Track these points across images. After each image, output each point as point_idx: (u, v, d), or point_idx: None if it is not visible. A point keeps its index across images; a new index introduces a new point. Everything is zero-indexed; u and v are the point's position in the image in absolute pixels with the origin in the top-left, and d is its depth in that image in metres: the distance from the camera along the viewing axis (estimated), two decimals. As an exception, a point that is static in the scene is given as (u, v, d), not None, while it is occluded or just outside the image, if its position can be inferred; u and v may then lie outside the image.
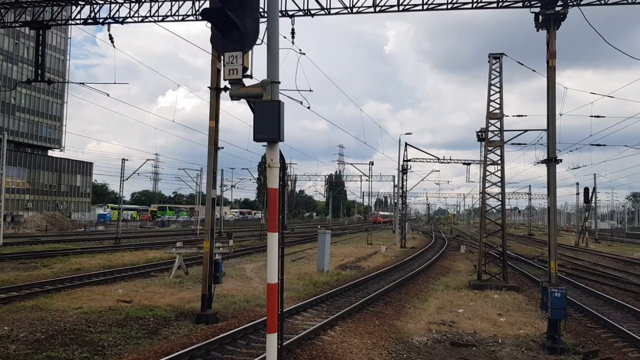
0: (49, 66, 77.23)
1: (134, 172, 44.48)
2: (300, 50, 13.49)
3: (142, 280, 19.17)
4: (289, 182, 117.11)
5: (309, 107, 14.46)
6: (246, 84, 5.87)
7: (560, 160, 12.24)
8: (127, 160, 42.76)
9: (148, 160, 46.57)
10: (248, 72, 5.70)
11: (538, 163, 16.29)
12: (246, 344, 11.06)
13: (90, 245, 38.59)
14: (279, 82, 5.62)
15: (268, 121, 5.37)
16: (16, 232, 52.87)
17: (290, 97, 13.79)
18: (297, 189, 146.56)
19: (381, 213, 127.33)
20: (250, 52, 5.76)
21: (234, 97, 5.68)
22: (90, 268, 23.41)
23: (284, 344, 10.49)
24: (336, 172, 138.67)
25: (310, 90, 13.38)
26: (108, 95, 19.08)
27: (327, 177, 78.71)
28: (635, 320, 15.07)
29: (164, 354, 9.84)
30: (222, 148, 13.74)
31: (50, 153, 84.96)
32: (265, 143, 5.62)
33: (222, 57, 5.72)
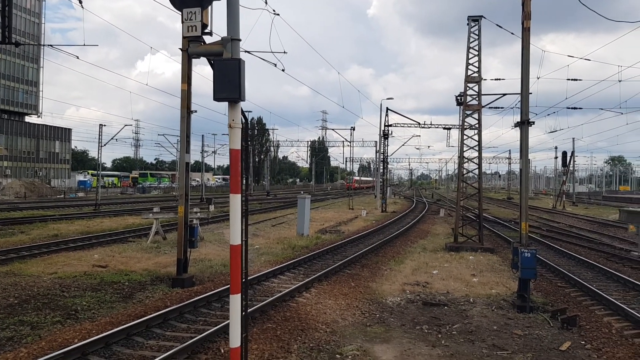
0: (22, 29, 75.13)
1: (112, 138, 43.92)
2: (274, 10, 13.20)
3: (120, 246, 19.12)
4: (272, 148, 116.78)
5: (283, 70, 14.26)
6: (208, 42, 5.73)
7: (533, 122, 12.30)
8: (104, 125, 42.08)
9: (126, 125, 45.83)
10: (208, 29, 5.55)
11: (514, 126, 16.29)
12: (221, 307, 11.13)
13: (70, 211, 38.25)
14: (240, 40, 5.48)
15: (228, 80, 5.25)
16: (-6, 200, 52.17)
17: (264, 59, 13.56)
18: (280, 155, 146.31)
19: (356, 178, 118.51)
20: (209, 8, 5.59)
21: (192, 54, 5.55)
22: (68, 234, 23.26)
23: (258, 306, 10.62)
24: (319, 138, 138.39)
25: (285, 52, 13.17)
26: (77, 58, 18.63)
27: (309, 142, 78.44)
28: (604, 279, 15.45)
29: (137, 317, 9.87)
30: (196, 111, 13.55)
31: (27, 119, 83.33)
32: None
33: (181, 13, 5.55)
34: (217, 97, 5.31)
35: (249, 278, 13.30)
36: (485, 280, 14.65)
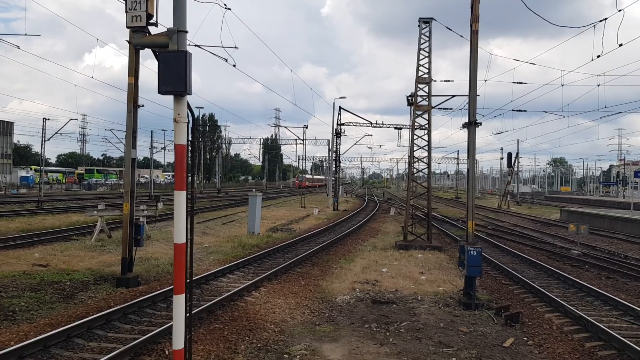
0: (-41, 16, 71.24)
1: (56, 132, 42.34)
2: (225, 5, 12.95)
3: (62, 244, 18.40)
4: (223, 145, 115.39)
5: (234, 65, 14.04)
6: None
7: (480, 123, 12.56)
8: (48, 119, 40.52)
9: (71, 119, 44.20)
10: (153, 20, 5.36)
11: (462, 127, 16.66)
12: (166, 307, 10.85)
13: (10, 208, 36.61)
14: (187, 31, 5.32)
15: (173, 72, 5.09)
16: None
17: (214, 54, 13.30)
18: (233, 153, 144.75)
19: (307, 176, 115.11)
20: (155, -2, 5.40)
21: (137, 45, 5.35)
22: (8, 232, 22.26)
23: (205, 306, 10.41)
24: (272, 135, 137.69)
25: (236, 47, 12.95)
26: (18, 48, 17.78)
27: (261, 140, 77.86)
28: (546, 277, 15.96)
29: (79, 318, 9.51)
30: (143, 106, 13.18)
31: (-36, 111, 79.33)
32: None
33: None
34: (162, 90, 5.14)
35: (196, 277, 13.09)
36: (433, 278, 14.87)
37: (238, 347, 8.51)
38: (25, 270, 13.52)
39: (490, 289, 14.18)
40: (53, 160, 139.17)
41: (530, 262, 18.27)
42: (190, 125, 5.46)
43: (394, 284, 14.01)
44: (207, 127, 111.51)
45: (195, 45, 13.19)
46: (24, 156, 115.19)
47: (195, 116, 5.55)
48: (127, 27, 5.23)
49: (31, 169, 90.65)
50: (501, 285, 14.66)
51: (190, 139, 5.48)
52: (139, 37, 5.29)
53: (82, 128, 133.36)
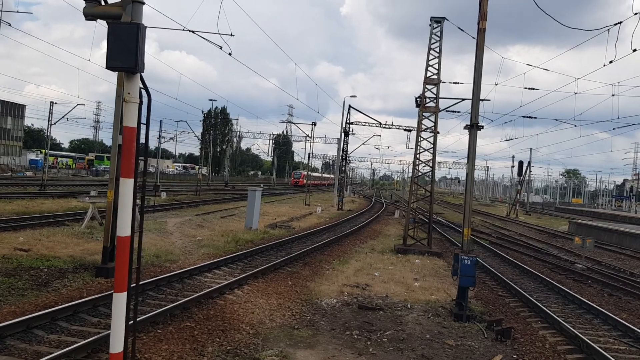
0: (-24, -3, 71.56)
1: (62, 117, 42.14)
2: (223, -10, 12.46)
3: (50, 229, 18.02)
4: (234, 139, 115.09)
5: (230, 54, 13.54)
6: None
7: (482, 126, 11.96)
8: (56, 103, 40.29)
9: (79, 105, 44.04)
10: (108, -11, 4.85)
11: (464, 129, 16.00)
12: (142, 301, 10.38)
13: (12, 190, 36.47)
14: (143, 3, 4.82)
15: (124, 47, 4.59)
16: None
17: (209, 40, 12.79)
18: (244, 147, 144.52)
19: (305, 173, 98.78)
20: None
21: (88, 16, 4.84)
22: (2, 214, 21.97)
23: (180, 302, 9.93)
24: (283, 132, 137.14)
25: (232, 35, 12.44)
26: (10, 25, 17.47)
27: (271, 135, 77.31)
28: (546, 290, 15.33)
29: (46, 307, 9.09)
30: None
31: (-23, 92, 79.72)
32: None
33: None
34: (110, 66, 4.64)
35: (180, 271, 12.61)
36: (426, 285, 14.30)
37: (205, 348, 8.01)
38: (5, 254, 13.12)
39: (486, 300, 13.58)
40: (66, 145, 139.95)
41: (531, 274, 17.62)
42: (145, 106, 4.95)
43: (385, 289, 13.46)
44: (219, 120, 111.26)
45: (190, 31, 12.74)
46: (37, 139, 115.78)
47: (151, 96, 5.04)
48: (79, -5, 4.72)
49: (41, 152, 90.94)
50: (497, 297, 14.05)
51: (144, 122, 4.98)
52: (91, 6, 4.80)
53: (96, 115, 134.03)
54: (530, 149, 60.25)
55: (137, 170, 4.95)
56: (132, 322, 5.25)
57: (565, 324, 10.83)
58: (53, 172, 67.51)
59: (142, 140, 5.04)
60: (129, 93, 4.75)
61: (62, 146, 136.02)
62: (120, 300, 4.87)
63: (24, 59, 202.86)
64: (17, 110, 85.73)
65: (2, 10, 39.46)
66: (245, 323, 9.57)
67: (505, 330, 10.22)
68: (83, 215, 22.45)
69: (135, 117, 4.83)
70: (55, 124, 40.10)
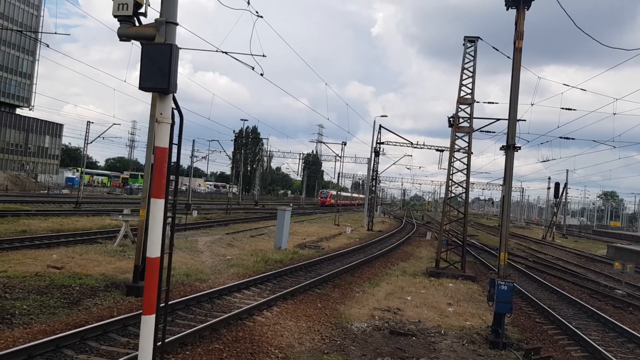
0: (20, 21, 74.43)
1: (98, 136, 43.18)
2: (257, 12, 12.55)
3: (84, 247, 18.22)
4: (265, 159, 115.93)
5: (262, 74, 13.60)
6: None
7: (519, 147, 11.64)
8: (92, 123, 41.29)
9: (114, 124, 44.97)
10: (142, 10, 4.85)
11: (500, 149, 15.63)
12: (171, 321, 10.31)
13: (48, 207, 37.26)
14: (177, 24, 4.81)
15: (157, 68, 4.56)
16: (-25, 190, 51.10)
17: (242, 62, 12.87)
18: (274, 166, 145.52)
19: (333, 192, 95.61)
20: (145, -15, 4.90)
21: (122, 37, 4.84)
22: (38, 231, 22.39)
23: (209, 323, 9.82)
24: (313, 151, 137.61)
25: (264, 56, 12.50)
26: (47, 46, 17.95)
27: (300, 155, 77.53)
28: (585, 317, 14.73)
29: (76, 326, 9.08)
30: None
31: (18, 111, 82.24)
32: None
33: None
34: (143, 87, 4.61)
35: (210, 291, 12.54)
36: (461, 311, 13.89)
37: (233, 372, 7.85)
38: (38, 271, 13.27)
39: (523, 327, 13.12)
40: (102, 163, 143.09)
41: (569, 300, 16.99)
42: (177, 126, 4.90)
43: (418, 314, 13.12)
44: (250, 140, 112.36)
45: (223, 52, 12.85)
46: (74, 158, 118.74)
47: (183, 117, 4.99)
48: (114, 16, 4.74)
49: (77, 170, 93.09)
50: (535, 324, 13.55)
51: (176, 142, 4.92)
52: (125, 27, 4.79)
53: (131, 134, 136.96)
54: (567, 171, 58.82)
55: (168, 190, 4.89)
56: (160, 343, 5.14)
57: (607, 353, 10.33)
58: (89, 190, 68.93)
59: (175, 159, 4.99)
60: (161, 114, 4.70)
61: (98, 164, 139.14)
62: (148, 323, 4.78)
63: (64, 79, 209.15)
64: (54, 129, 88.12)
65: (41, 32, 40.91)
66: (274, 346, 9.39)
67: (544, 359, 9.79)
68: (116, 233, 22.71)
69: (167, 138, 4.78)
70: (91, 143, 41.06)
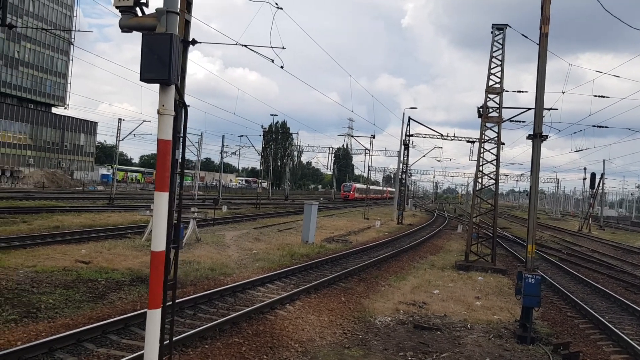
0: (54, 21, 76.13)
1: (129, 133, 43.87)
2: (276, 4, 12.42)
3: (112, 242, 18.51)
4: (295, 153, 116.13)
5: (282, 67, 13.48)
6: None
7: (547, 136, 11.26)
8: (124, 120, 41.98)
9: (145, 121, 45.69)
10: (144, 0, 4.78)
11: (527, 138, 15.10)
12: (193, 314, 10.35)
13: (82, 204, 38.11)
14: (177, 13, 4.72)
15: (157, 58, 4.48)
16: (13, 187, 52.64)
17: (260, 54, 12.76)
18: (304, 161, 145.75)
19: (357, 185, 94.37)
20: (146, -25, 4.83)
21: (123, 28, 4.78)
22: (70, 226, 22.88)
23: (230, 316, 9.80)
24: (343, 145, 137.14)
25: (283, 48, 12.38)
26: (72, 44, 18.15)
27: (330, 148, 77.26)
28: (619, 311, 14.24)
29: (100, 320, 9.17)
30: (189, 106, 12.79)
31: (54, 110, 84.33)
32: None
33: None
34: (144, 78, 4.54)
35: (233, 285, 12.53)
36: (489, 305, 13.58)
37: (251, 367, 7.80)
38: (66, 266, 13.51)
39: (553, 320, 12.74)
40: (136, 160, 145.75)
41: (603, 294, 16.46)
42: (181, 118, 4.83)
43: (444, 308, 12.86)
44: (279, 135, 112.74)
45: (243, 45, 12.78)
46: (109, 155, 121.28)
47: (187, 108, 4.92)
48: (116, 7, 4.69)
49: (112, 167, 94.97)
50: (565, 318, 13.15)
51: (178, 134, 4.85)
52: (126, 18, 4.73)
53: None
54: (604, 160, 57.13)
55: (174, 184, 4.82)
56: (167, 341, 5.09)
57: (641, 350, 9.93)
58: (122, 187, 70.32)
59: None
60: (163, 105, 4.63)
61: (133, 161, 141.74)
62: (154, 317, 4.73)
63: (98, 78, 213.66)
64: (89, 127, 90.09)
65: (75, 30, 41.87)
66: (295, 340, 9.31)
67: (573, 354, 9.48)
68: (145, 228, 23.05)
69: (170, 130, 4.71)
70: (122, 140, 41.77)
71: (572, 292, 16.28)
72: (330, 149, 76.86)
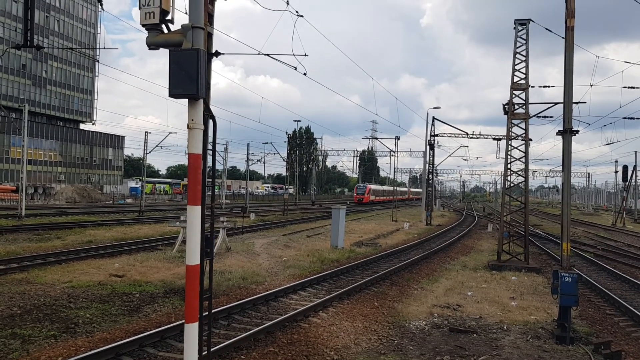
0: (78, 39, 77.81)
1: (156, 145, 44.47)
2: (297, 12, 12.47)
3: (144, 254, 18.74)
4: (319, 158, 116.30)
5: (305, 74, 13.51)
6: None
7: (577, 131, 11.04)
8: (150, 133, 42.58)
9: (170, 133, 46.22)
10: (169, 17, 4.82)
11: (557, 134, 14.79)
12: (227, 325, 10.39)
13: (113, 217, 38.74)
14: (203, 28, 4.75)
15: (185, 74, 4.52)
16: (45, 204, 53.78)
17: (282, 62, 12.83)
18: (329, 165, 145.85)
19: (372, 187, 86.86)
20: (171, -7, 4.88)
21: (150, 45, 4.83)
22: (103, 240, 23.25)
23: (264, 326, 9.81)
24: (368, 148, 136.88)
25: (305, 55, 12.41)
26: (98, 61, 18.68)
27: (355, 152, 77.03)
28: (661, 307, 13.82)
29: (136, 333, 9.28)
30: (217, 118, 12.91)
31: (82, 126, 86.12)
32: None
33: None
34: (173, 93, 4.59)
35: (265, 293, 12.56)
36: (524, 305, 13.34)
37: (288, 376, 7.78)
38: (101, 280, 13.72)
39: (592, 319, 12.44)
40: (164, 171, 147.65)
41: (643, 290, 16.02)
42: (210, 131, 4.85)
43: (479, 309, 12.68)
44: (304, 140, 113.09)
45: (265, 54, 12.88)
46: (136, 168, 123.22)
47: (216, 121, 4.94)
48: (142, 25, 4.74)
49: (140, 180, 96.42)
50: (605, 316, 12.83)
51: (210, 147, 4.87)
52: (153, 35, 4.79)
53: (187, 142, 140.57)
54: (635, 152, 55.80)
55: (205, 197, 4.85)
56: (205, 352, 5.11)
57: (688, 348, 9.62)
58: (151, 198, 71.27)
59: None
60: (192, 120, 4.66)
61: (160, 173, 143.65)
62: (191, 331, 4.75)
63: (123, 93, 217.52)
64: (117, 141, 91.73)
65: (99, 48, 42.73)
66: (330, 348, 9.27)
67: (615, 353, 9.23)
68: (175, 240, 23.29)
69: (200, 144, 4.74)
70: (150, 152, 42.35)
71: (610, 289, 15.89)
72: (355, 152, 76.65)
